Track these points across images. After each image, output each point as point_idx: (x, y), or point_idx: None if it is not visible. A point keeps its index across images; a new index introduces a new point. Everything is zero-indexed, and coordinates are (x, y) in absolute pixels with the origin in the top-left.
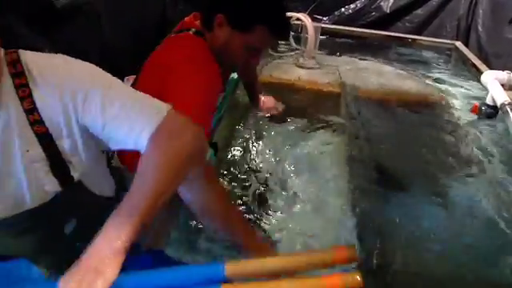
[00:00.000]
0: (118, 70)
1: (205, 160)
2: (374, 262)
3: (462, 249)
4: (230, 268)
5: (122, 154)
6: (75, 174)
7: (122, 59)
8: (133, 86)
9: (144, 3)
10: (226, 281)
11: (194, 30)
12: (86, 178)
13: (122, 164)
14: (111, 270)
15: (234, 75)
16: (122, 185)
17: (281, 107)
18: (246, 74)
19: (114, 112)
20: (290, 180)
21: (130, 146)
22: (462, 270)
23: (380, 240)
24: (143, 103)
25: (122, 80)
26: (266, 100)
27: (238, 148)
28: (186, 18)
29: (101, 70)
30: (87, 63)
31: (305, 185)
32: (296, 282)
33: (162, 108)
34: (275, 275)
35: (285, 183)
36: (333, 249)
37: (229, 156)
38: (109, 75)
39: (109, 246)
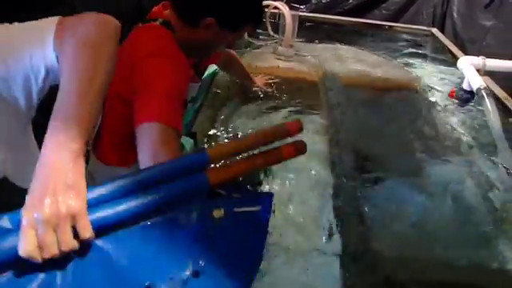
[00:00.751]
0: None
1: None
2: (355, 246)
3: (443, 229)
4: (212, 152)
5: (94, 147)
6: None
7: None
8: None
9: None
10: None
11: (160, 20)
12: (12, 172)
13: (97, 158)
14: (79, 178)
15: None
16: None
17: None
18: (229, 62)
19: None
20: (270, 168)
21: (40, 68)
22: (443, 251)
23: (361, 223)
24: (30, 25)
25: None
26: (257, 78)
27: (219, 138)
28: (154, 8)
29: None
30: None
31: (284, 172)
32: (264, 156)
33: (51, 19)
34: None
35: (264, 171)
36: (287, 123)
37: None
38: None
39: (66, 148)
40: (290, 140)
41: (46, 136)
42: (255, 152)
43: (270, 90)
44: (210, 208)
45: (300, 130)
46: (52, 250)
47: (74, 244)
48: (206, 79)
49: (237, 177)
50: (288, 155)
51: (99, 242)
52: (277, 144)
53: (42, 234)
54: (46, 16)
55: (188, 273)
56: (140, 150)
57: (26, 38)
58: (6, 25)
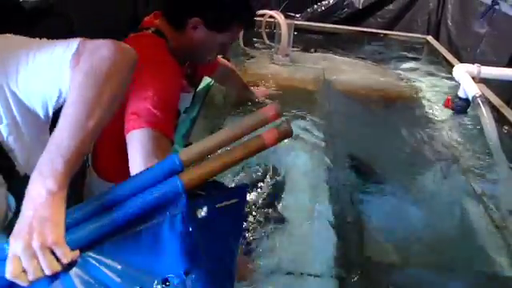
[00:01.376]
0: None
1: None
2: (353, 252)
3: (438, 237)
4: (184, 154)
5: (94, 163)
6: (20, 167)
7: None
8: None
9: (115, 2)
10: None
11: (152, 29)
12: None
13: (98, 175)
14: (56, 210)
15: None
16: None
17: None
18: (227, 75)
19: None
20: (267, 177)
21: (54, 89)
22: (438, 258)
23: (358, 231)
24: (52, 44)
25: None
26: (257, 90)
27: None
28: (146, 18)
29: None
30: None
31: (282, 181)
32: (243, 147)
33: (73, 41)
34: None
35: (261, 181)
36: (263, 109)
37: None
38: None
39: (44, 185)
40: None
41: (37, 164)
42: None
43: (269, 101)
44: (194, 209)
45: (279, 114)
46: (36, 274)
47: (56, 267)
48: (201, 90)
49: (215, 174)
50: (271, 141)
51: (87, 255)
52: None
53: (23, 261)
54: (42, 28)
55: (180, 273)
56: (131, 159)
57: (47, 57)
58: (31, 40)
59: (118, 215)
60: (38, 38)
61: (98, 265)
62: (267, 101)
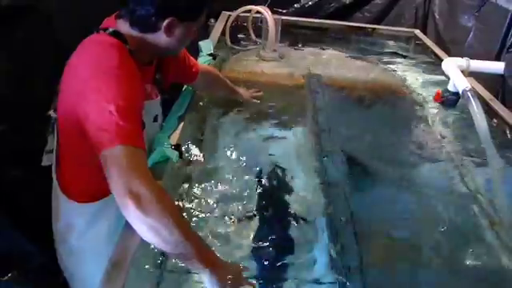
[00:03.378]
0: None
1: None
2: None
3: (432, 229)
4: None
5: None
6: None
7: None
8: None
9: (97, 1)
10: None
11: (110, 30)
12: None
13: (61, 189)
14: None
15: None
16: None
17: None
18: (211, 79)
19: None
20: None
21: None
22: (432, 251)
23: (352, 227)
24: None
25: None
26: (243, 91)
27: (205, 148)
28: (107, 18)
29: None
30: None
31: (274, 179)
32: None
33: None
34: None
35: (254, 180)
36: None
37: (194, 158)
38: None
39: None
40: None
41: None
42: None
43: (257, 101)
44: None
45: None
46: None
47: None
48: (187, 90)
49: None
50: None
51: None
52: None
53: None
54: (23, 27)
55: None
56: (110, 179)
57: None
58: None
59: None
60: None
61: None
62: (254, 101)
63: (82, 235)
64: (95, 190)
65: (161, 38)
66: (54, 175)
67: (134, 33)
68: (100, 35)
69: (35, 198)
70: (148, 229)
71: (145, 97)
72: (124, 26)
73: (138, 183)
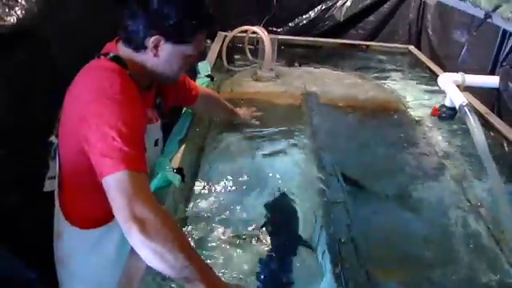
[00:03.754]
0: None
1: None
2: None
3: (428, 244)
4: None
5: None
6: None
7: None
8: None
9: (94, 24)
10: None
11: (111, 55)
12: None
13: (64, 215)
14: None
15: None
16: None
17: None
18: (211, 102)
19: None
20: (261, 195)
21: None
22: (428, 266)
23: (351, 240)
24: None
25: None
26: (243, 111)
27: (207, 173)
28: (108, 43)
29: None
30: None
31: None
32: None
33: None
34: None
35: (255, 201)
36: None
37: (198, 181)
38: None
39: None
40: None
41: None
42: None
43: (257, 122)
44: None
45: None
46: None
47: None
48: (187, 112)
49: None
50: None
51: None
52: None
53: None
54: (21, 52)
55: None
56: (113, 204)
57: None
58: None
59: None
60: None
61: None
62: (254, 122)
63: (85, 261)
64: (98, 215)
65: (148, 57)
66: (56, 201)
67: (131, 54)
68: (100, 60)
69: (34, 223)
70: (152, 254)
71: (147, 121)
72: (122, 49)
73: (142, 208)
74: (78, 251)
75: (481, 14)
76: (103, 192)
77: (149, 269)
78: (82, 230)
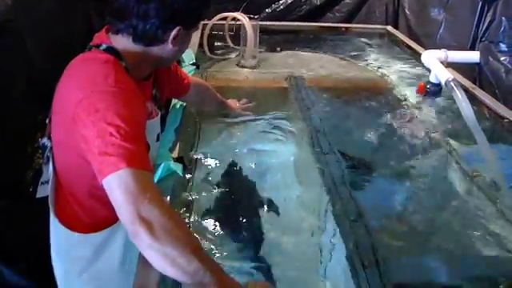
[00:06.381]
0: (48, 91)
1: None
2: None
3: (426, 220)
4: None
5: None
6: None
7: (52, 79)
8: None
9: (68, 17)
10: None
11: (104, 46)
12: None
13: (60, 221)
14: None
15: None
16: None
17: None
18: (202, 92)
19: None
20: (260, 182)
21: None
22: (426, 240)
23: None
24: None
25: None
26: (232, 102)
27: (204, 160)
28: (97, 34)
29: None
30: None
31: (276, 186)
32: None
33: None
34: None
35: (255, 187)
36: None
37: (198, 169)
38: None
39: None
40: None
41: None
42: None
43: (248, 112)
44: None
45: None
46: None
47: None
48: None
49: None
50: None
51: None
52: None
53: None
54: None
55: None
56: (117, 205)
57: None
58: None
59: None
60: None
61: None
62: (245, 113)
63: (88, 268)
64: (99, 219)
65: (166, 48)
66: (51, 207)
67: (135, 48)
68: (92, 52)
69: (25, 232)
70: (162, 258)
71: (147, 115)
72: (121, 42)
73: (149, 208)
74: (80, 258)
75: None
76: (104, 194)
77: (162, 277)
78: (82, 235)
